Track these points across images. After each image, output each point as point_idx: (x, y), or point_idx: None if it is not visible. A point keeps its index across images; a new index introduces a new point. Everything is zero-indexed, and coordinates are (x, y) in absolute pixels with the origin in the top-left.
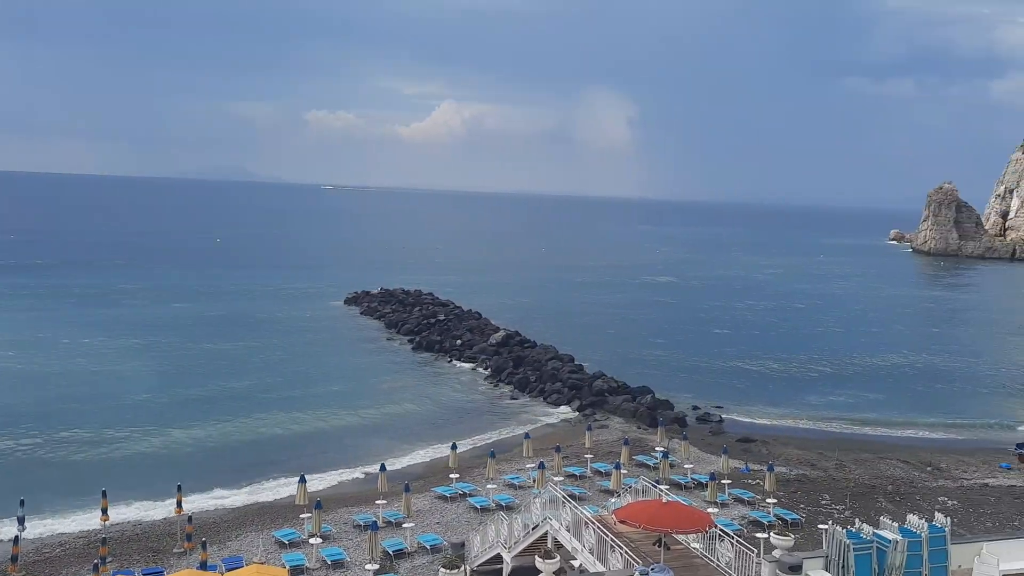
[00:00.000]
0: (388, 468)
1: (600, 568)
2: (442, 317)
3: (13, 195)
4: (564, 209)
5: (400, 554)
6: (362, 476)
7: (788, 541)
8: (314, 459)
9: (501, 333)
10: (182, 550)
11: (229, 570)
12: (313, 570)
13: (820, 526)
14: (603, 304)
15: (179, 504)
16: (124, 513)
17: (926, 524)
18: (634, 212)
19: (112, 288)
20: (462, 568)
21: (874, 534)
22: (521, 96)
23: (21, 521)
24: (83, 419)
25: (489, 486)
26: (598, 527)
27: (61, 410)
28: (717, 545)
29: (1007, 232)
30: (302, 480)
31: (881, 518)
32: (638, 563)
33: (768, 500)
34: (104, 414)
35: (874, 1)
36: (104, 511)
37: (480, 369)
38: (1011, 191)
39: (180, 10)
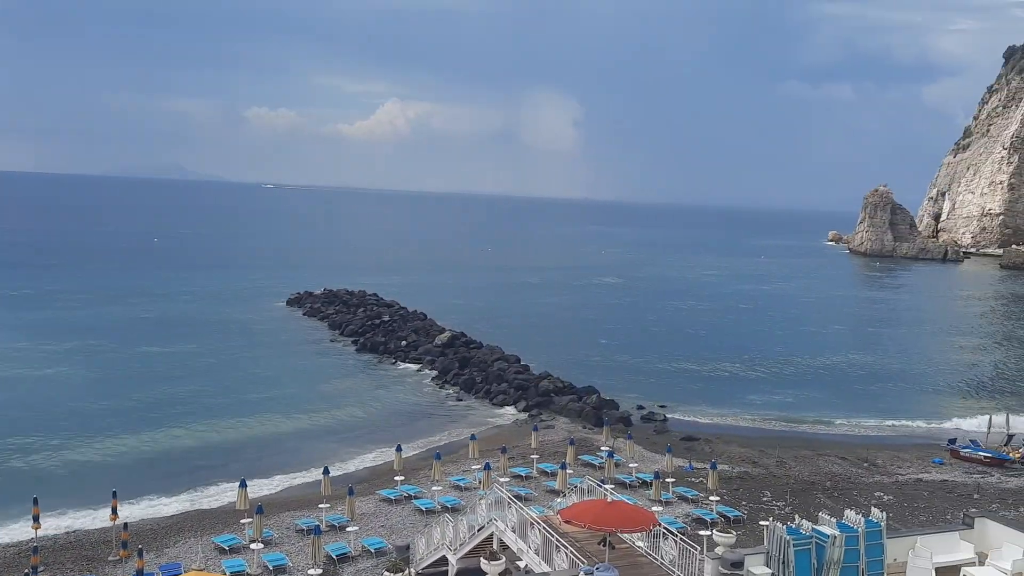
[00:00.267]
0: (332, 471)
1: (546, 568)
2: (387, 318)
3: None
4: (510, 210)
5: (344, 558)
6: (305, 480)
7: (730, 538)
8: (255, 464)
9: (447, 334)
10: (117, 558)
11: None
12: None
13: (761, 523)
14: (549, 305)
15: (114, 511)
16: (57, 521)
17: (863, 519)
18: (579, 213)
19: (43, 290)
20: (407, 571)
21: (813, 530)
22: (467, 96)
23: None
24: (13, 426)
25: (434, 488)
26: (544, 527)
27: None
28: (661, 543)
29: (939, 234)
30: (242, 485)
31: (820, 514)
32: (583, 563)
33: (711, 498)
34: (36, 421)
35: (813, 6)
36: (35, 519)
37: (426, 370)
38: (943, 194)
39: (115, 4)
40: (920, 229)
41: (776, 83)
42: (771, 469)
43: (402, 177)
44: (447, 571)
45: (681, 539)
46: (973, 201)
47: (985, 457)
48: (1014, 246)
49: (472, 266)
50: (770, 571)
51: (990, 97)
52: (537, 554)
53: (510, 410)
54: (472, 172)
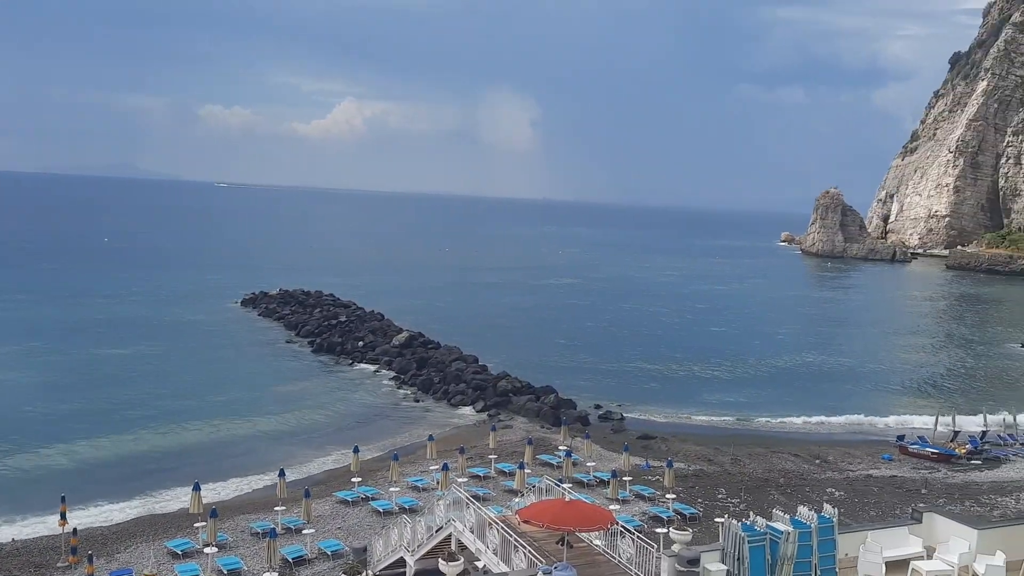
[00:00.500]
0: (288, 474)
1: (504, 568)
2: (343, 318)
3: None
4: (468, 209)
5: (300, 561)
6: (260, 483)
7: (686, 535)
8: (209, 468)
9: (404, 334)
10: (66, 564)
11: None
12: None
13: (717, 519)
14: (507, 305)
15: (63, 516)
16: (4, 529)
17: (815, 515)
18: (537, 213)
19: None
20: (364, 573)
21: (767, 526)
22: (424, 95)
23: None
24: None
25: (392, 489)
26: (502, 528)
27: None
28: (619, 542)
29: (888, 235)
30: (196, 488)
31: (774, 510)
32: (541, 562)
33: (667, 496)
34: None
35: (766, 11)
36: None
37: (383, 371)
38: (891, 196)
39: None
40: (870, 230)
41: (730, 86)
42: (726, 467)
43: (359, 176)
44: (405, 573)
45: (638, 537)
46: (920, 203)
47: (932, 453)
48: (959, 247)
49: (430, 266)
50: (725, 568)
51: (936, 102)
52: (495, 554)
53: (468, 410)
54: (430, 172)
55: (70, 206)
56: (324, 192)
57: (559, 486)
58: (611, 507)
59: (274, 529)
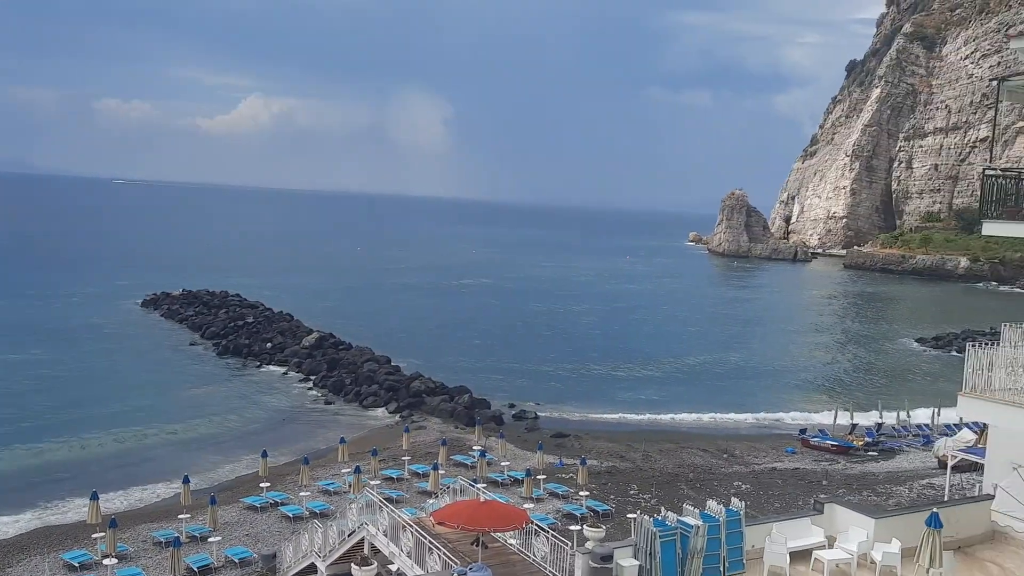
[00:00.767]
0: (193, 481)
1: (419, 571)
2: (251, 319)
3: None
4: (380, 208)
5: (206, 570)
6: (164, 491)
7: (600, 532)
8: (109, 477)
9: (314, 335)
10: None
11: None
12: None
13: (629, 515)
14: (421, 305)
15: None
16: None
17: (723, 509)
18: (450, 212)
19: None
20: None
21: (678, 521)
22: (334, 92)
23: None
24: None
25: (302, 494)
26: (416, 530)
27: None
28: (533, 540)
29: (790, 235)
30: (94, 497)
31: (684, 505)
32: (456, 564)
33: (581, 493)
34: None
35: (672, 16)
36: None
37: (292, 373)
38: (793, 198)
39: None
40: (772, 231)
41: (640, 88)
42: (637, 463)
43: (266, 174)
44: None
45: (552, 535)
46: (819, 205)
47: (832, 446)
48: (855, 247)
49: (342, 266)
50: (638, 563)
51: (834, 107)
52: (409, 557)
53: (381, 412)
54: (340, 170)
55: None
56: (230, 189)
57: (473, 486)
58: (525, 506)
59: (178, 538)
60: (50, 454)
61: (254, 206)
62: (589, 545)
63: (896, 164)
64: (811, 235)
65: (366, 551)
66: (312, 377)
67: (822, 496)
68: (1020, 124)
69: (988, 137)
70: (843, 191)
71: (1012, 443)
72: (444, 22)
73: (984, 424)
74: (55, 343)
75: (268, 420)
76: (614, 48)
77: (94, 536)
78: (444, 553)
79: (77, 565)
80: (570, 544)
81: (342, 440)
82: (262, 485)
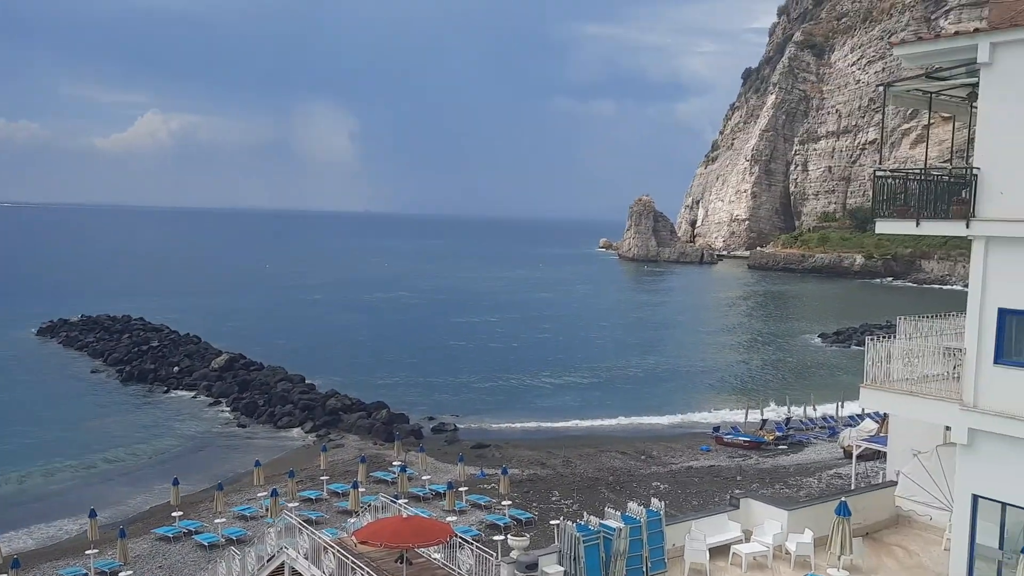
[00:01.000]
0: (100, 515)
1: None
2: (156, 343)
3: None
4: (288, 224)
5: None
6: (70, 527)
7: (524, 541)
8: (9, 516)
9: (224, 357)
10: None
11: None
12: None
13: (552, 522)
14: (333, 322)
15: None
16: None
17: (644, 510)
18: (360, 226)
19: None
20: None
21: (600, 524)
22: (235, 107)
23: None
24: None
25: (217, 521)
26: (338, 551)
27: None
28: (458, 553)
29: (696, 238)
30: None
31: (606, 508)
32: None
33: (503, 502)
34: None
35: (575, 27)
36: None
37: (202, 396)
38: (697, 202)
39: None
40: (679, 235)
41: (545, 98)
42: (558, 469)
43: (166, 192)
44: None
45: (477, 547)
46: (723, 208)
47: (744, 441)
48: (758, 248)
49: (249, 284)
50: (563, 569)
51: (733, 114)
52: None
53: (296, 432)
54: (244, 186)
55: None
56: (128, 209)
57: (395, 503)
58: (448, 519)
59: (87, 574)
60: None
61: (155, 226)
62: (514, 554)
63: (793, 167)
64: (716, 238)
65: None
66: (223, 400)
67: (737, 492)
68: (905, 127)
69: (877, 140)
70: (744, 194)
71: (911, 431)
72: (347, 37)
73: (885, 414)
74: None
75: (178, 446)
76: (518, 59)
77: None
78: (368, 573)
79: None
80: (495, 554)
81: (257, 463)
82: (174, 514)
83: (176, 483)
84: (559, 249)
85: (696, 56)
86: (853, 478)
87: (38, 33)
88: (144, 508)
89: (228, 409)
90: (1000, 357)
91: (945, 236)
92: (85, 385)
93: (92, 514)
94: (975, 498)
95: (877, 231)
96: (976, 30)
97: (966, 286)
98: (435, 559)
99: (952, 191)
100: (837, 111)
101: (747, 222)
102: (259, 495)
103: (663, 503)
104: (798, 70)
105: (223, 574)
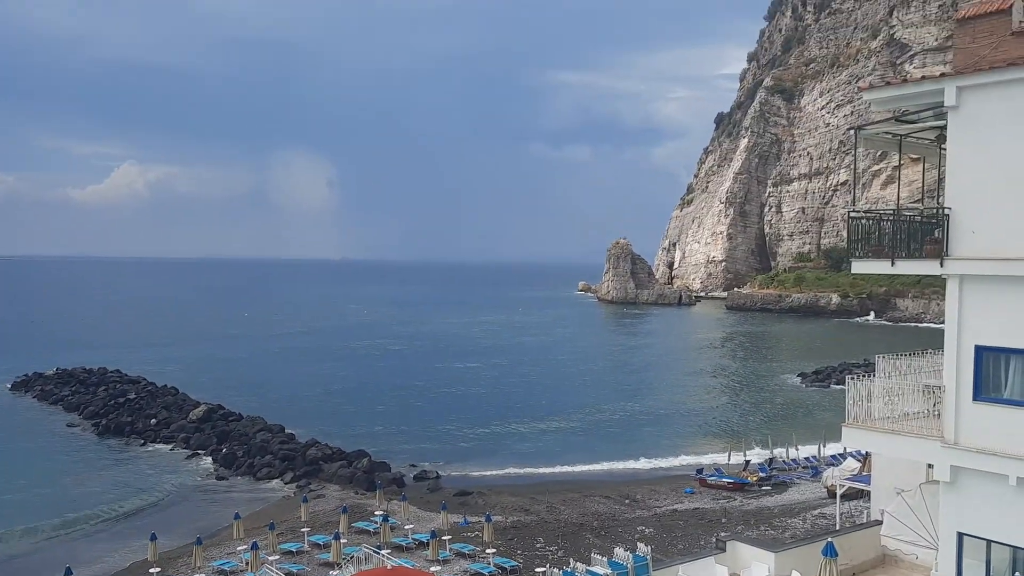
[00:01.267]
0: (76, 572)
1: None
2: (132, 396)
3: None
4: (266, 273)
5: None
6: None
7: None
8: None
9: (202, 408)
10: None
11: None
12: None
13: (538, 570)
14: (313, 370)
15: None
16: None
17: (631, 555)
18: (338, 273)
19: None
20: None
21: (587, 571)
22: (212, 157)
23: None
24: None
25: None
26: None
27: None
28: None
29: (674, 280)
30: None
31: (592, 554)
32: None
33: (488, 551)
34: None
35: (550, 75)
36: None
37: (180, 449)
38: (674, 244)
39: None
40: (657, 277)
41: (522, 144)
42: (542, 515)
43: (144, 243)
44: None
45: None
46: (699, 250)
47: (728, 483)
48: (736, 289)
49: (228, 334)
50: None
51: (706, 157)
52: None
53: (276, 483)
54: (222, 235)
55: None
56: (104, 261)
57: (378, 553)
58: (432, 568)
59: None
60: None
61: (133, 277)
62: None
63: (767, 209)
64: (694, 279)
65: None
66: (201, 452)
67: (723, 534)
68: (876, 168)
69: (848, 181)
70: (720, 236)
71: (894, 470)
72: (325, 85)
73: (867, 452)
74: None
75: (156, 501)
76: (495, 106)
77: None
78: None
79: None
80: None
81: (236, 516)
82: (152, 571)
83: (154, 538)
84: (538, 292)
85: (669, 102)
86: (838, 518)
87: (12, 85)
88: (122, 566)
89: (207, 461)
90: (979, 394)
91: (919, 275)
92: (60, 440)
93: (68, 572)
94: (960, 536)
95: (853, 271)
96: (942, 75)
97: (941, 323)
98: None
99: (925, 231)
100: (808, 154)
101: (724, 263)
102: (239, 549)
103: (649, 548)
104: (769, 114)
105: None
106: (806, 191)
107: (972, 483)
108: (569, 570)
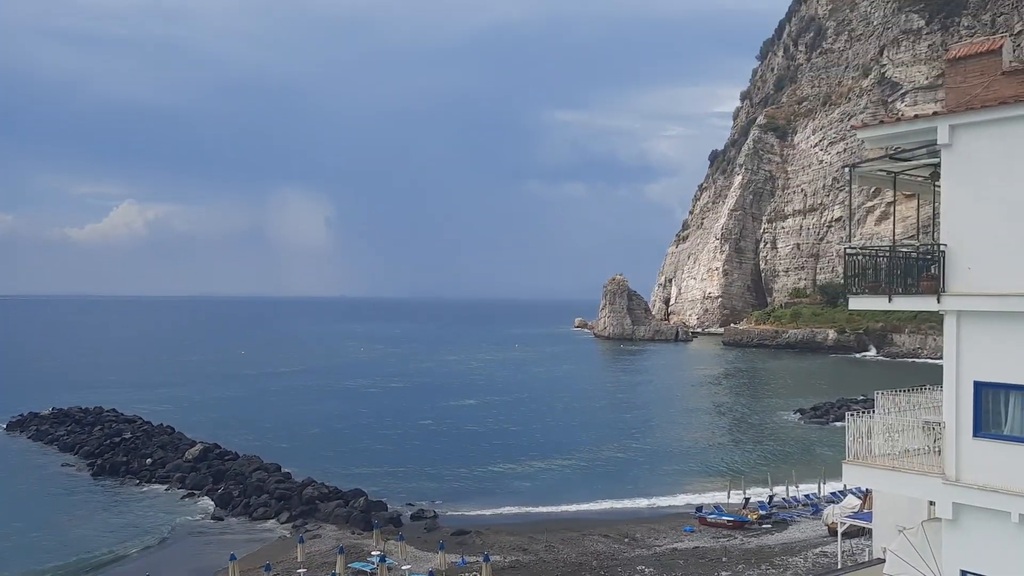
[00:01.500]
0: None
1: None
2: (128, 435)
3: None
4: (263, 310)
5: None
6: None
7: None
8: None
9: (198, 447)
10: None
11: None
12: None
13: None
14: (309, 409)
15: None
16: None
17: None
18: (336, 311)
19: None
20: None
21: None
22: (211, 196)
23: None
24: None
25: None
26: None
27: None
28: None
29: (670, 316)
30: None
31: None
32: None
33: None
34: None
35: (545, 114)
36: None
37: (175, 489)
38: (670, 280)
39: None
40: (654, 313)
41: (518, 182)
42: (541, 554)
43: (142, 281)
44: None
45: None
46: (695, 286)
47: (728, 521)
48: (732, 324)
49: (225, 373)
50: None
51: (701, 194)
52: None
53: (272, 523)
54: (220, 274)
55: None
56: (102, 299)
57: None
58: None
59: None
60: None
61: (130, 315)
62: None
63: (762, 245)
64: (690, 315)
65: None
66: (197, 492)
67: (724, 573)
68: (869, 204)
69: (842, 217)
70: (716, 272)
71: (896, 507)
72: (322, 125)
73: (867, 489)
74: None
75: (150, 542)
76: (491, 145)
77: None
78: None
79: None
80: None
81: (232, 557)
82: None
83: None
84: (535, 329)
85: (663, 139)
86: (839, 556)
87: (13, 126)
88: None
89: (202, 501)
90: (979, 430)
91: (916, 310)
92: (55, 481)
93: None
94: (963, 574)
95: (850, 307)
96: (935, 113)
97: (938, 358)
98: None
99: (921, 267)
100: (802, 190)
101: (720, 299)
102: None
103: None
104: (763, 151)
105: None
106: (800, 227)
107: (974, 520)
108: None
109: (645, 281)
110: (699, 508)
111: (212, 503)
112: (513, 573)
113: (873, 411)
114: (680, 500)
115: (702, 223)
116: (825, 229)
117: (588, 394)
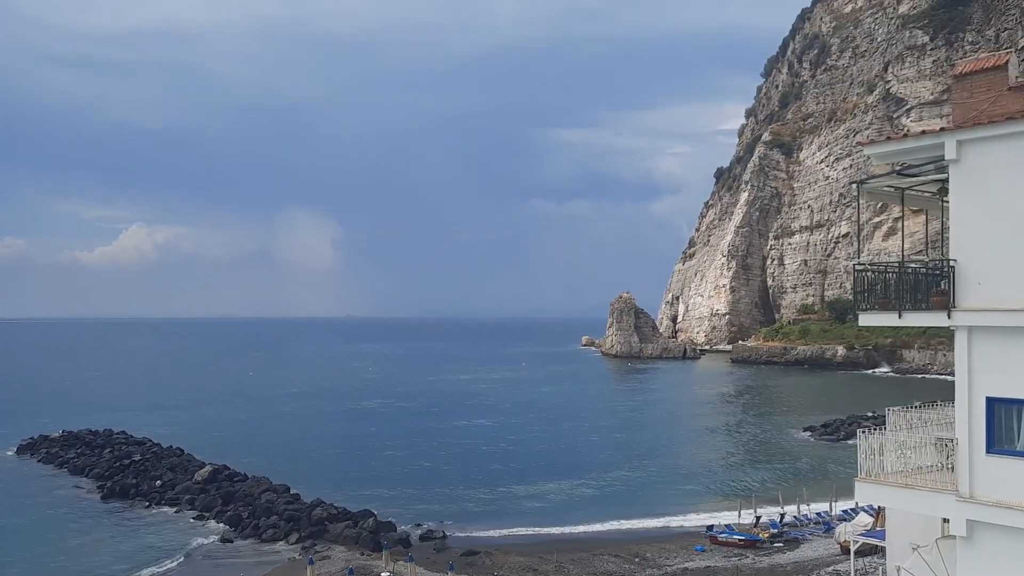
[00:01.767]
0: None
1: None
2: (138, 457)
3: None
4: (271, 331)
5: None
6: None
7: None
8: None
9: (207, 469)
10: None
11: None
12: None
13: None
14: (317, 428)
15: None
16: None
17: None
18: (343, 331)
19: None
20: None
21: None
22: (219, 218)
23: None
24: None
25: None
26: None
27: None
28: None
29: (678, 334)
30: None
31: None
32: None
33: None
34: None
35: (550, 133)
36: None
37: (185, 510)
38: (677, 298)
39: None
40: (661, 330)
41: (523, 201)
42: (551, 575)
43: (151, 303)
44: None
45: None
46: (703, 303)
47: (740, 540)
48: (740, 342)
49: (233, 393)
50: None
51: (707, 211)
52: None
53: (281, 545)
54: (228, 295)
55: None
56: (112, 321)
57: None
58: None
59: None
60: None
61: (139, 337)
62: None
63: (769, 261)
64: (698, 332)
65: None
66: (206, 514)
67: None
68: (876, 220)
69: (849, 233)
70: (723, 289)
71: (909, 525)
72: (328, 146)
73: (880, 507)
74: None
75: (159, 565)
76: (497, 164)
77: None
78: None
79: None
80: None
81: None
82: None
83: None
84: (542, 347)
85: (668, 157)
86: (852, 575)
87: (24, 152)
88: None
89: (212, 524)
90: (992, 446)
91: (925, 326)
92: (65, 504)
93: None
94: None
95: (860, 323)
96: (943, 129)
97: (949, 374)
98: None
99: (930, 282)
100: (809, 206)
101: (727, 316)
102: None
103: None
104: (768, 168)
105: None
106: (808, 243)
107: (989, 537)
108: None
109: (652, 299)
110: (710, 527)
111: (222, 525)
112: None
113: (884, 428)
114: (691, 519)
115: (708, 240)
116: (832, 245)
117: (597, 413)
